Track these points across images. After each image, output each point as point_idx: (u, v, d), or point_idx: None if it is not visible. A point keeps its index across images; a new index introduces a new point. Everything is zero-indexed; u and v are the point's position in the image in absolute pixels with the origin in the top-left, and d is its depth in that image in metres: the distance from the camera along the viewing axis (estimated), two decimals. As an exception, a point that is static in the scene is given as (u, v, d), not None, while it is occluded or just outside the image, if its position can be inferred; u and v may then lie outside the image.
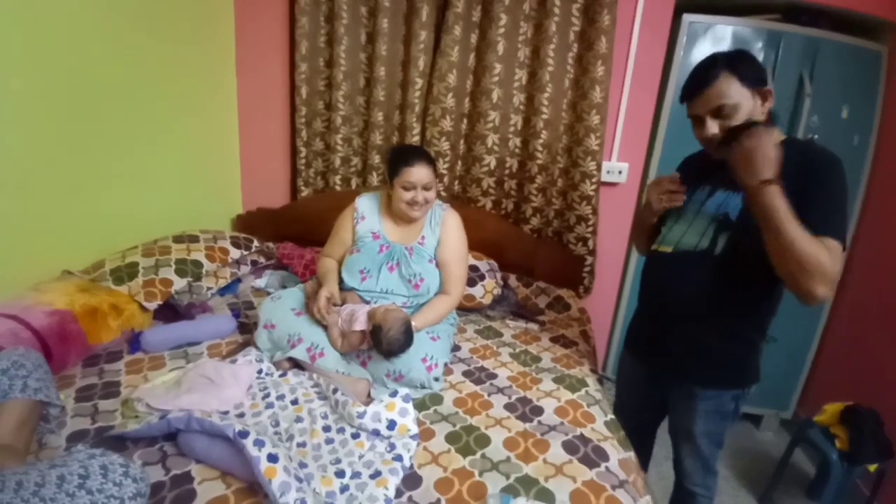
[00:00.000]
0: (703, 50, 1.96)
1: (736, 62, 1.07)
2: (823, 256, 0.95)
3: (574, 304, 2.02)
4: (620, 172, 2.13)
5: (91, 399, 1.24)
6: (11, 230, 1.44)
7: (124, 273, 1.61)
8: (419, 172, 1.49)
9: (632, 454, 1.20)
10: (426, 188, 1.51)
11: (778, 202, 0.97)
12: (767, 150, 0.98)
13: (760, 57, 1.92)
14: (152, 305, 1.59)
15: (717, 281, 1.13)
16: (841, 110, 2.02)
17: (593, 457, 1.13)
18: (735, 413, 1.25)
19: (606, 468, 1.10)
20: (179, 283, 1.67)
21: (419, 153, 1.54)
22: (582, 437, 1.19)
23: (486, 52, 1.99)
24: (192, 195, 2.12)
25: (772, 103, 1.11)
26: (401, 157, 1.52)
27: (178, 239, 1.83)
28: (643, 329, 1.36)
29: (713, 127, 1.09)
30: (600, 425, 1.26)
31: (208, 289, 1.78)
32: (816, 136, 2.01)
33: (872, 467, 1.65)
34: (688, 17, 1.93)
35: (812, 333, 2.22)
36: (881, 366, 1.88)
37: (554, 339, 1.75)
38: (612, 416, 1.32)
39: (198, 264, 1.75)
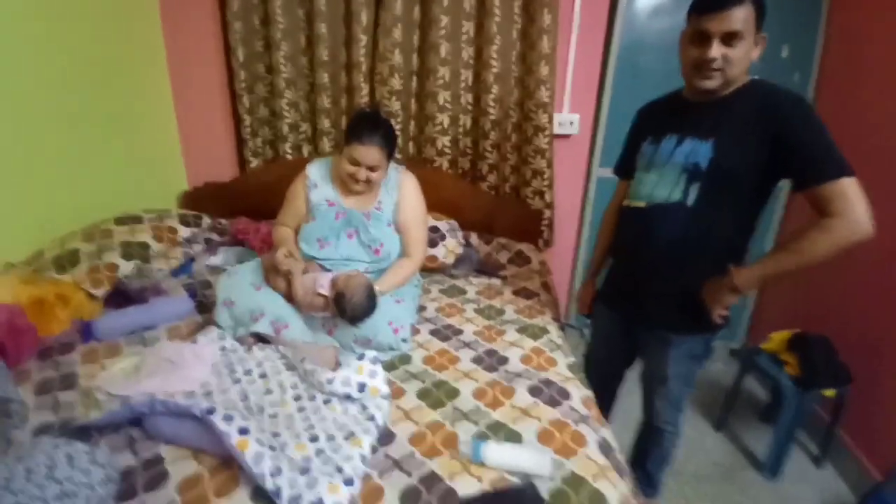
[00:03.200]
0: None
1: None
2: (830, 231, 1.00)
3: (535, 258, 2.07)
4: (572, 123, 2.15)
5: (50, 391, 1.19)
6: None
7: (66, 261, 1.53)
8: (367, 153, 1.42)
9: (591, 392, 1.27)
10: (371, 169, 1.46)
11: (759, 274, 1.10)
12: (714, 296, 1.16)
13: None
14: (100, 292, 1.53)
15: (692, 232, 1.15)
16: (781, 49, 2.08)
17: (557, 397, 1.20)
18: (705, 355, 1.32)
19: (570, 406, 1.17)
20: (126, 267, 1.60)
21: (375, 131, 1.43)
22: (546, 381, 1.25)
23: (431, 4, 1.91)
24: (130, 174, 1.99)
25: (761, 51, 1.10)
26: (356, 128, 1.44)
27: (119, 221, 1.74)
28: (618, 282, 1.39)
29: (718, 49, 1.04)
30: (562, 368, 1.32)
31: (159, 270, 1.71)
32: (756, 77, 2.06)
33: (829, 392, 1.72)
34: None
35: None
36: (827, 294, 1.99)
37: (516, 292, 1.79)
38: (574, 359, 1.39)
39: (144, 246, 1.68)
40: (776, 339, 1.90)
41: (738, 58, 1.06)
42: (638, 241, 1.24)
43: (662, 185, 1.17)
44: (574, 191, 2.27)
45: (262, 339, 1.40)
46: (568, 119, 2.14)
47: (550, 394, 1.21)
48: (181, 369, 1.24)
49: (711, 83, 1.09)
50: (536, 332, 1.49)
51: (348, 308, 1.33)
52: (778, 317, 2.30)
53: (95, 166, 1.82)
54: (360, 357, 1.26)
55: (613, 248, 1.41)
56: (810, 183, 1.02)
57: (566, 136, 2.17)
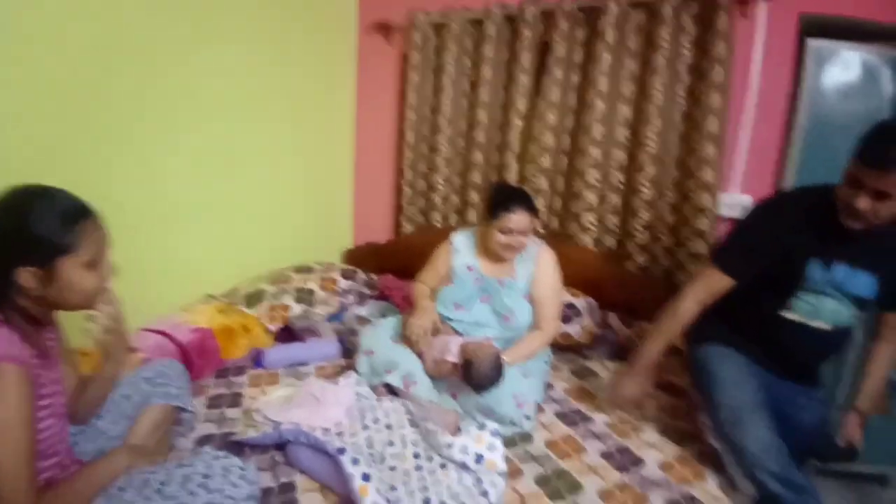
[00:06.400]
0: (832, 76, 1.78)
1: None
2: None
3: (686, 350, 1.84)
4: (743, 206, 1.94)
5: (219, 407, 1.41)
6: (162, 260, 1.68)
7: (253, 298, 1.85)
8: (518, 220, 1.50)
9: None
10: (522, 234, 1.52)
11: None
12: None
13: (889, 87, 1.76)
14: (273, 327, 1.79)
15: (843, 348, 1.34)
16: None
17: (703, 522, 1.00)
18: None
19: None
20: (296, 309, 1.86)
21: (521, 200, 1.53)
22: (690, 498, 1.07)
23: (587, 91, 1.99)
24: (310, 230, 2.38)
25: None
26: (503, 200, 1.53)
27: (297, 269, 2.06)
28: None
29: (866, 202, 1.06)
30: (712, 485, 1.11)
31: (318, 315, 1.95)
32: None
33: None
34: (812, 43, 1.77)
35: None
36: None
37: (660, 386, 1.60)
38: (730, 472, 1.17)
39: (311, 292, 1.94)
40: None
41: (886, 214, 1.08)
42: (810, 358, 1.32)
43: (840, 311, 1.23)
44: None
45: (392, 391, 1.48)
46: (738, 200, 1.94)
47: (695, 515, 1.02)
48: (323, 406, 1.36)
49: (855, 226, 1.12)
50: (681, 438, 1.30)
51: (475, 376, 1.34)
52: None
53: (284, 222, 2.22)
54: (482, 427, 1.24)
55: (742, 344, 1.36)
56: None
57: (733, 220, 1.96)
